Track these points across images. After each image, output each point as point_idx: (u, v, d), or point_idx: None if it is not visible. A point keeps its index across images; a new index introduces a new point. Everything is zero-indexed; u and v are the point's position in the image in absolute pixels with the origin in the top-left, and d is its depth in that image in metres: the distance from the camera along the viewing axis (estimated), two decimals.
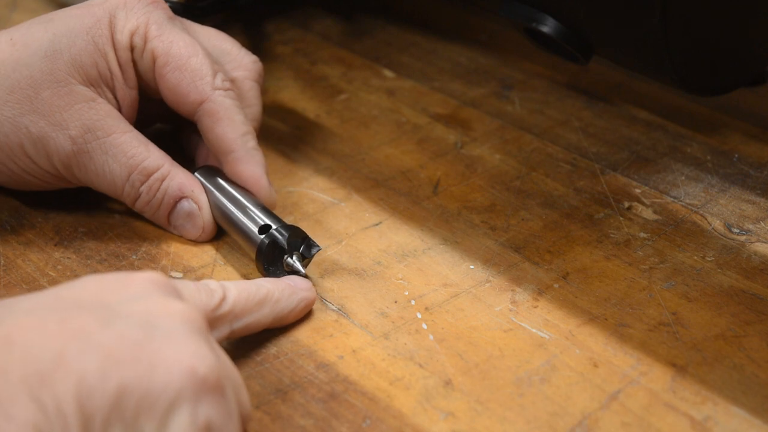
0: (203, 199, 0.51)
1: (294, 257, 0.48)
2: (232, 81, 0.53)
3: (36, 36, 0.49)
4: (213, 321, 0.41)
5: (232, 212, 0.50)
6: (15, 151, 0.50)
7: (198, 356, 0.34)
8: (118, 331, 0.34)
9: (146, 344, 0.34)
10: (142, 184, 0.50)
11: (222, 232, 0.52)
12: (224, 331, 0.42)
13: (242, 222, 0.50)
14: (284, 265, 0.48)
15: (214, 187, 0.52)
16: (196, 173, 0.53)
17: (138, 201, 0.51)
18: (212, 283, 0.42)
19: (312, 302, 0.47)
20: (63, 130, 0.49)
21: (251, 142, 0.51)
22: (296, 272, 0.48)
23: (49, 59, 0.49)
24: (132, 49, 0.50)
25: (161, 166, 0.50)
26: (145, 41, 0.50)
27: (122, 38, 0.50)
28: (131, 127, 0.51)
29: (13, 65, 0.49)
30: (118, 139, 0.50)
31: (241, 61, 0.54)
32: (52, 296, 0.36)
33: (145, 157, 0.50)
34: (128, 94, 0.51)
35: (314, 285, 0.48)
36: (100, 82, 0.50)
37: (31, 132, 0.49)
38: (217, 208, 0.51)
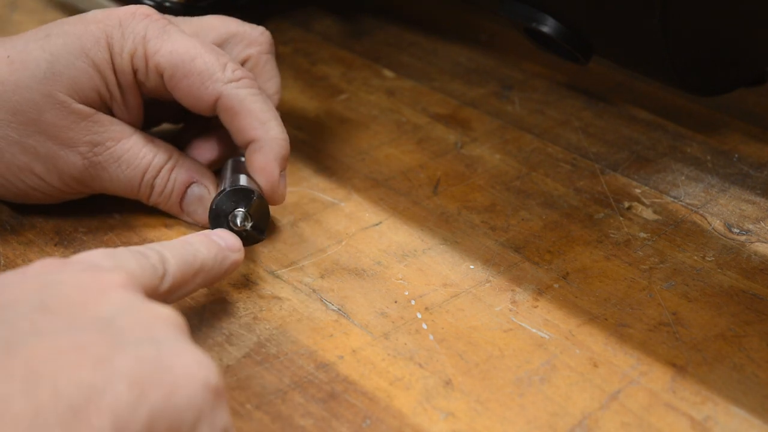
0: (213, 181, 0.53)
1: (238, 217, 0.49)
2: (248, 59, 0.54)
3: (33, 55, 0.49)
4: (151, 298, 0.40)
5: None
6: (23, 171, 0.50)
7: (204, 366, 0.34)
8: (132, 353, 0.33)
9: (160, 363, 0.33)
10: (155, 178, 0.52)
11: None
12: None
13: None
14: (229, 222, 0.49)
15: (227, 176, 0.52)
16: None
17: (152, 194, 0.52)
18: (152, 256, 0.41)
19: (239, 264, 0.46)
20: (72, 148, 0.50)
21: (273, 129, 0.50)
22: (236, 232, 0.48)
23: (48, 81, 0.49)
24: (135, 72, 0.50)
25: (170, 158, 0.52)
26: (146, 60, 0.50)
27: (122, 62, 0.50)
28: (134, 129, 0.52)
29: (13, 87, 0.49)
30: (126, 144, 0.51)
31: (251, 37, 0.55)
32: (38, 305, 0.35)
33: (155, 154, 0.52)
34: (126, 114, 0.51)
35: (313, 284, 0.49)
36: (100, 105, 0.50)
37: (39, 152, 0.50)
38: None
